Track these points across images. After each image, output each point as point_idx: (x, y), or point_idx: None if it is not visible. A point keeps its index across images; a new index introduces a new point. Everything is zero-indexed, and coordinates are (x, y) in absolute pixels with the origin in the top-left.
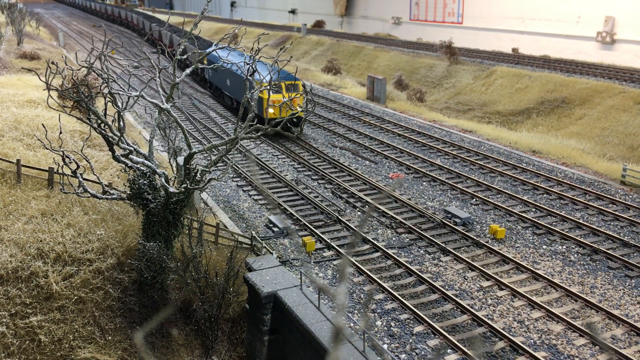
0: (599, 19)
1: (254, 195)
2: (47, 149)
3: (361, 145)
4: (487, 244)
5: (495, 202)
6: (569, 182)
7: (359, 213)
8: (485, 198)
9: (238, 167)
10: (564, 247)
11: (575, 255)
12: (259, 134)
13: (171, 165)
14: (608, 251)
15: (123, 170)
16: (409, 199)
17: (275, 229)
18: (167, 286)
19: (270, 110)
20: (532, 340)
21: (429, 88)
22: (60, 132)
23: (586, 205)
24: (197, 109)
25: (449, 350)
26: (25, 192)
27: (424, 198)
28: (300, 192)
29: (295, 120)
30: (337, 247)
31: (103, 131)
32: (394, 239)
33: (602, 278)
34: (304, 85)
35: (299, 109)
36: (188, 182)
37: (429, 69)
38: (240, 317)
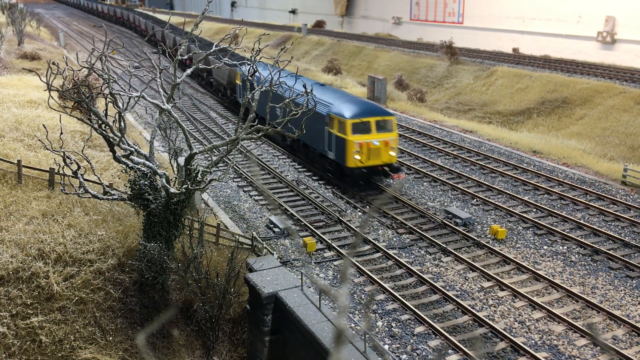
0: (600, 18)
1: (255, 195)
2: (47, 149)
3: None
4: (488, 245)
5: (496, 203)
6: (569, 183)
7: (359, 213)
8: (486, 198)
9: (239, 168)
10: (565, 247)
11: (576, 256)
12: (260, 134)
13: (172, 165)
14: (609, 251)
15: (124, 171)
16: (410, 200)
17: (276, 230)
18: (167, 287)
19: (357, 157)
20: (533, 341)
21: (430, 88)
22: (61, 133)
23: (587, 206)
24: (197, 109)
25: (450, 351)
26: (26, 193)
27: (425, 198)
28: (301, 192)
29: (387, 169)
30: (338, 248)
31: (104, 132)
32: (394, 239)
33: (603, 278)
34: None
35: (393, 154)
36: (189, 182)
37: (429, 69)
38: (241, 318)
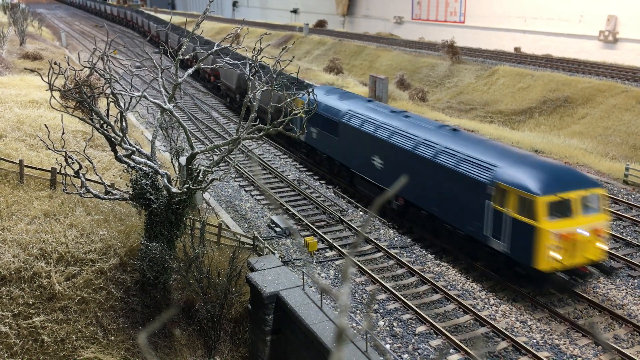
0: (601, 18)
1: (256, 195)
2: (49, 149)
3: None
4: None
5: None
6: None
7: (360, 213)
8: None
9: (240, 167)
10: None
11: None
12: (261, 134)
13: (173, 165)
14: (611, 251)
15: (125, 171)
16: None
17: (278, 229)
18: (169, 286)
19: (556, 256)
20: (534, 340)
21: (431, 87)
22: (63, 133)
23: None
24: (199, 109)
25: (451, 351)
26: (28, 193)
27: None
28: (302, 192)
29: (594, 270)
30: (339, 247)
31: (105, 131)
32: (396, 239)
33: (604, 278)
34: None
35: (602, 247)
36: (190, 182)
37: (431, 69)
38: (243, 317)
